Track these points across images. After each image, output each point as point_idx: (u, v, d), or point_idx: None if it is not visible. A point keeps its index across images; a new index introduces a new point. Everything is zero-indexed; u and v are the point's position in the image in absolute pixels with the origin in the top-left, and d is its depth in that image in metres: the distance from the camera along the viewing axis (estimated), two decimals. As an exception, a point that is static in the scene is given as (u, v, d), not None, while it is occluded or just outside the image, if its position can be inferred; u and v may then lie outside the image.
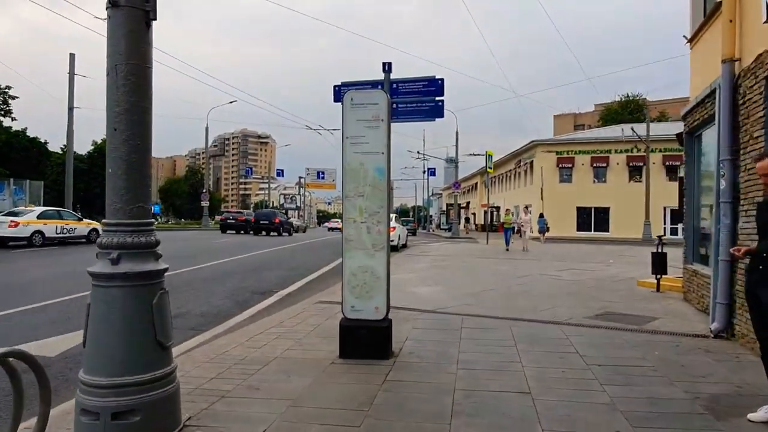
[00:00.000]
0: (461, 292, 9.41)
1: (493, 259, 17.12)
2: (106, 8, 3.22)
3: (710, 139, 7.53)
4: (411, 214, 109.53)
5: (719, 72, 6.24)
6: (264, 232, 35.23)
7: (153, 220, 3.33)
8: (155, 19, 3.30)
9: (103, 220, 3.24)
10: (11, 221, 18.70)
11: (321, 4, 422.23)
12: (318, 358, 4.90)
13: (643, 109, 74.35)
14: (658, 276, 9.57)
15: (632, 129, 35.33)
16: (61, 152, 44.62)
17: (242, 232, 36.58)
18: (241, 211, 49.31)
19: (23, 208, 21.97)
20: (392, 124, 5.30)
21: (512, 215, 23.54)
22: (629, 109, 72.75)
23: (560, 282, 11.01)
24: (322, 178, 77.27)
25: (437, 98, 6.95)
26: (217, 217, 55.91)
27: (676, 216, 38.00)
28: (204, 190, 48.69)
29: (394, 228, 20.82)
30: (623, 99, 77.85)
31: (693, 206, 8.56)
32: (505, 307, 7.79)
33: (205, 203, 46.36)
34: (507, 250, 20.98)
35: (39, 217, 19.63)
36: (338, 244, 5.13)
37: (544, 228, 28.90)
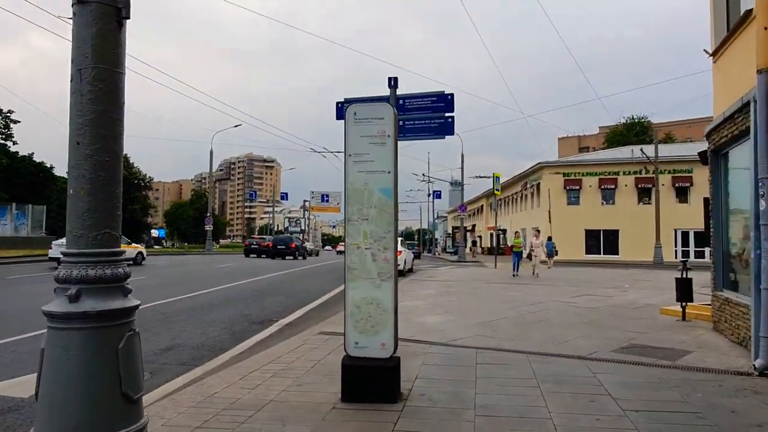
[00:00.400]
0: (472, 321, 8.86)
1: (502, 285, 16.53)
2: (72, 5, 2.79)
3: (740, 156, 7.04)
4: (416, 237, 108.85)
5: (751, 84, 5.78)
6: (281, 257, 37.53)
7: (121, 249, 2.84)
8: (128, 18, 2.87)
9: (62, 250, 2.77)
10: None
11: (321, 26, 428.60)
12: (318, 402, 4.37)
13: (648, 131, 74.12)
14: (684, 303, 8.99)
15: (641, 150, 34.90)
16: (66, 176, 44.63)
17: (263, 255, 39.12)
18: (264, 237, 52.90)
19: None
20: (398, 143, 4.84)
21: (521, 238, 22.62)
22: (635, 131, 72.45)
23: (576, 309, 10.43)
24: (327, 201, 77.01)
25: (447, 114, 6.49)
26: (244, 242, 56.18)
27: (687, 238, 37.33)
28: (208, 214, 48.38)
29: (401, 252, 20.29)
30: (628, 121, 77.56)
31: (721, 229, 8.02)
32: (522, 339, 7.23)
33: (208, 227, 46.00)
34: (516, 275, 20.12)
35: None
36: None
37: (552, 252, 28.24)
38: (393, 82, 6.46)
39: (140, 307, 2.88)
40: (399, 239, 22.66)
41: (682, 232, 37.26)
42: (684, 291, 8.92)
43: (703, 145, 8.81)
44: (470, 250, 54.84)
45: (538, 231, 22.39)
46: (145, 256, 27.10)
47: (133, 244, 26.28)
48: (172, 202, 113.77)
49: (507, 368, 5.55)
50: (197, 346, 7.09)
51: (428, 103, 6.56)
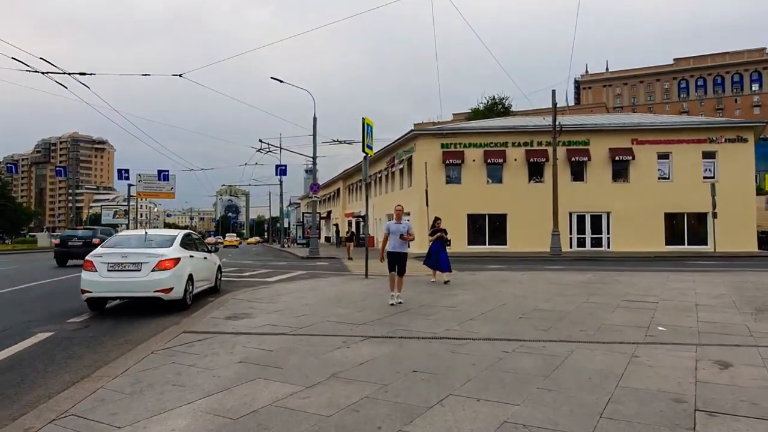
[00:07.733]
0: None
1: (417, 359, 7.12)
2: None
3: None
4: (266, 226, 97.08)
5: None
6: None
7: None
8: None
9: None
10: None
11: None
12: None
13: (510, 111, 70.42)
14: None
15: (557, 109, 27.88)
16: None
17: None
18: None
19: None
20: None
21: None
22: (497, 111, 68.54)
23: None
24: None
25: None
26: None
27: (583, 223, 31.53)
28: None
29: (175, 261, 9.81)
30: (489, 102, 73.56)
31: None
32: None
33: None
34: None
35: None
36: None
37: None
38: None
39: None
40: (179, 235, 11.93)
41: (578, 216, 31.36)
42: None
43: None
44: (343, 242, 39.90)
45: None
46: None
47: None
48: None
49: None
50: None
51: None
